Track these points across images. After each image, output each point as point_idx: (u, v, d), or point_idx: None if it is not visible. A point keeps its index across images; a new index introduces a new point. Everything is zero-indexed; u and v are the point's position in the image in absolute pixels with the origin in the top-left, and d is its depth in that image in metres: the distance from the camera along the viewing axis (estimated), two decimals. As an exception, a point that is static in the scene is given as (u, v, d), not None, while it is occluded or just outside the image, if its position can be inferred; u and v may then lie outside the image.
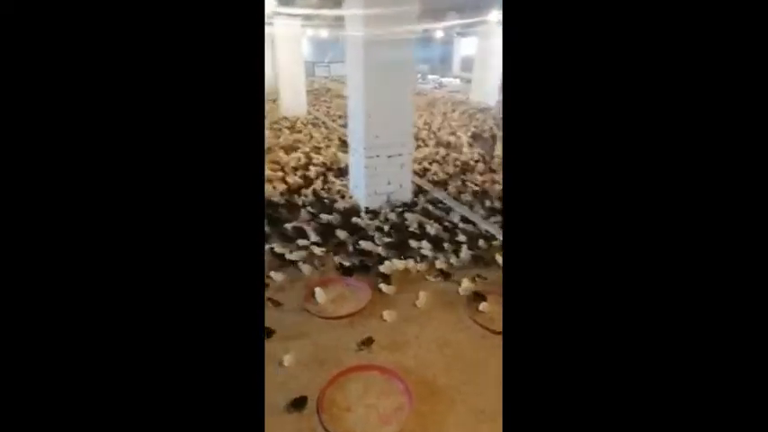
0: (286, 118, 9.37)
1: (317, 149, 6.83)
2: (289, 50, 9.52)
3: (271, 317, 2.74)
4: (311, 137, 7.76)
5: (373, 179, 4.30)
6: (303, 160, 6.14)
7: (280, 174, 5.51)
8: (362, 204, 4.41)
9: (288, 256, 3.42)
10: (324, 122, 9.12)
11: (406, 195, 4.56)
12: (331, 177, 5.41)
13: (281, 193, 4.86)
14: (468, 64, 20.27)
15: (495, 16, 8.22)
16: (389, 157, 4.27)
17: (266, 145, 6.87)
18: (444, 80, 18.96)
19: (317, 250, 3.56)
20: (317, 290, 2.96)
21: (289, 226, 3.93)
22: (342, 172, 5.51)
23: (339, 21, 10.53)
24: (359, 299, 2.99)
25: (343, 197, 4.76)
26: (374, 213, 4.26)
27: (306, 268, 3.31)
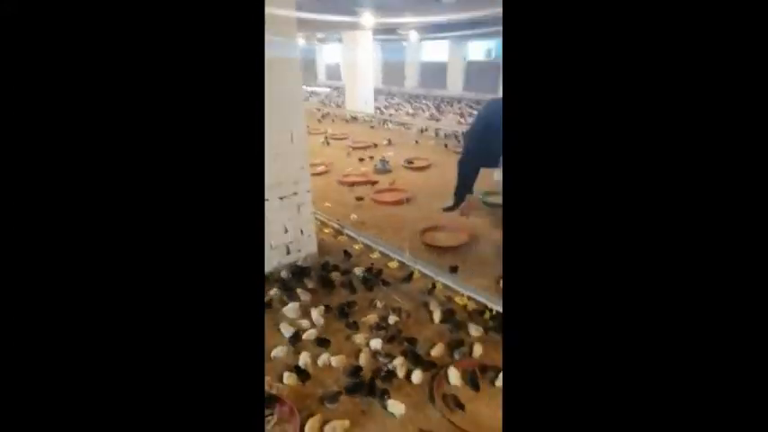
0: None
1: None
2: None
3: None
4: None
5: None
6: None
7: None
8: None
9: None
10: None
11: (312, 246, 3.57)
12: None
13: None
14: (333, 72, 19.77)
15: (367, 22, 7.65)
16: (281, 198, 3.24)
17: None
18: (318, 89, 18.02)
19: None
20: None
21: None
22: None
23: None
24: None
25: None
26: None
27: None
